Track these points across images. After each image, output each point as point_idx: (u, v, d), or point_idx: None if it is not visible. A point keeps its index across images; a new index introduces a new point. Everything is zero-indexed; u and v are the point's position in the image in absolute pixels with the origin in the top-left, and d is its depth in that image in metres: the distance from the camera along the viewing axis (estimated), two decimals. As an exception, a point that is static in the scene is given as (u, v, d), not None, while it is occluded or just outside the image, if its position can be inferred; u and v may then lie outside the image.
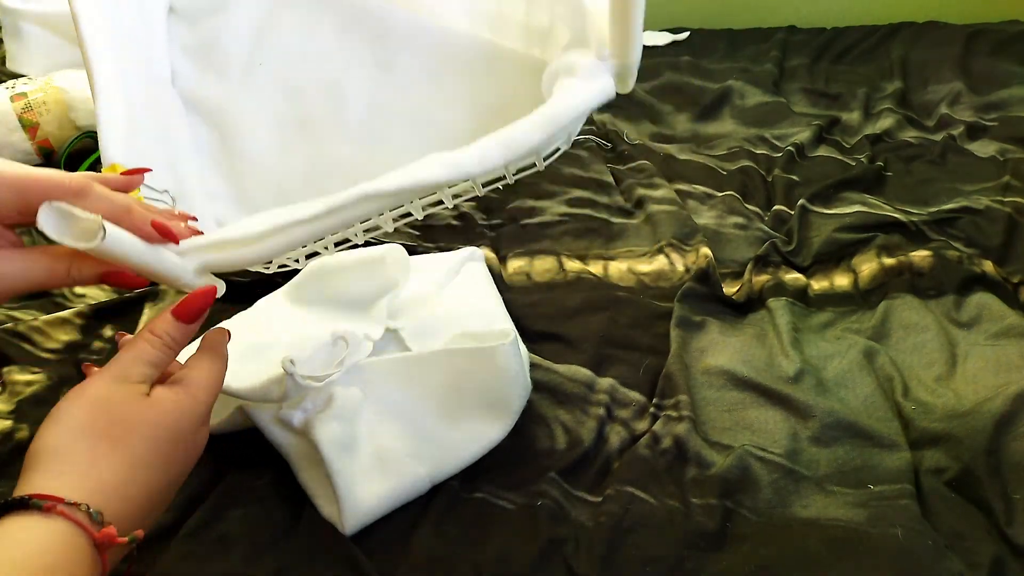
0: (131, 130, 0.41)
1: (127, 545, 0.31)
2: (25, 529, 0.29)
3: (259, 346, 0.49)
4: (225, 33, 0.52)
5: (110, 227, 0.31)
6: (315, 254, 0.42)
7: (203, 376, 0.36)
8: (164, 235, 0.35)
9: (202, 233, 0.38)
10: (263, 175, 0.50)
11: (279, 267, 0.43)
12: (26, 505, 0.29)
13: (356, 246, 0.43)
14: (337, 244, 0.42)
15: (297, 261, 0.43)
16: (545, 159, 0.41)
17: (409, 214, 0.41)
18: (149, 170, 0.39)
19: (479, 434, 0.47)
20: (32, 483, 0.31)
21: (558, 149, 0.41)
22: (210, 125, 0.50)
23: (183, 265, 0.36)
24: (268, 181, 0.50)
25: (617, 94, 0.39)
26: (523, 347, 0.53)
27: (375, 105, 0.51)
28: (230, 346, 0.40)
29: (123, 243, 0.32)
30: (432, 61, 0.51)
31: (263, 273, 0.43)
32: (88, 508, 0.30)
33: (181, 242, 0.37)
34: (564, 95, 0.36)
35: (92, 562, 0.30)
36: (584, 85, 0.37)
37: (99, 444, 0.32)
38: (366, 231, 0.42)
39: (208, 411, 0.37)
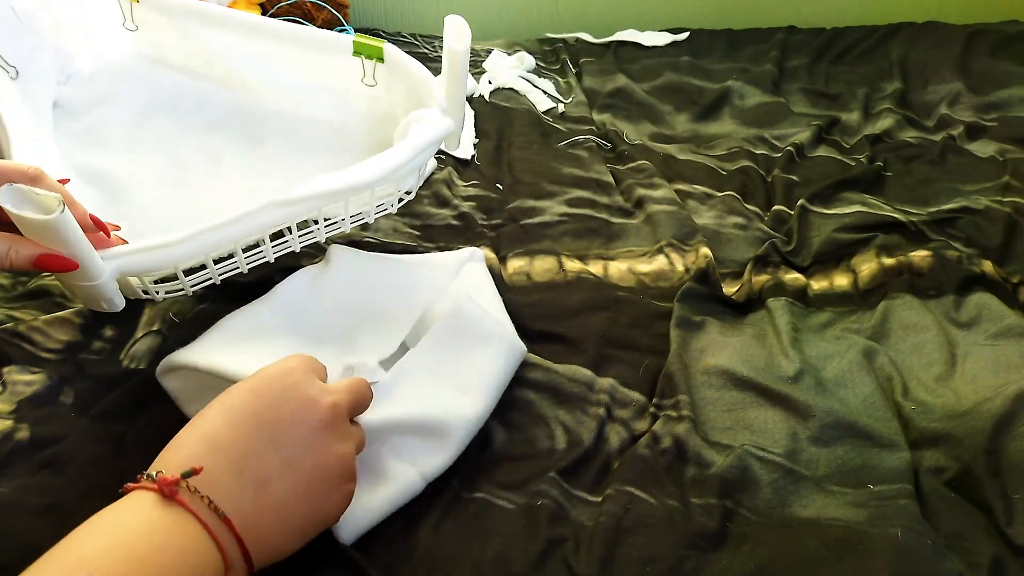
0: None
1: (189, 490, 0.30)
2: (137, 511, 0.30)
3: (273, 330, 0.50)
4: (107, 120, 0.61)
5: (65, 208, 0.35)
6: (232, 270, 0.49)
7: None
8: (98, 226, 0.41)
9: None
10: (149, 221, 0.55)
11: (167, 290, 0.49)
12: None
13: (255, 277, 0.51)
14: (245, 251, 0.48)
15: (212, 280, 0.49)
16: (400, 201, 0.54)
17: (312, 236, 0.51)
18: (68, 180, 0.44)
19: (459, 414, 0.46)
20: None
21: (409, 192, 0.54)
22: (97, 187, 0.56)
23: (103, 266, 0.40)
24: (155, 224, 0.55)
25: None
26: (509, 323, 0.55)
27: (248, 168, 0.60)
28: (242, 325, 0.45)
29: (71, 224, 0.36)
30: (295, 140, 0.62)
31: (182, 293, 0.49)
32: (150, 473, 0.31)
33: (106, 250, 0.41)
34: (413, 134, 0.49)
35: (171, 520, 0.30)
36: (427, 126, 0.49)
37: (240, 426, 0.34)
38: (275, 245, 0.49)
39: (351, 463, 0.37)
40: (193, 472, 0.30)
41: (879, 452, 0.47)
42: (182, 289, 0.48)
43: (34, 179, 0.37)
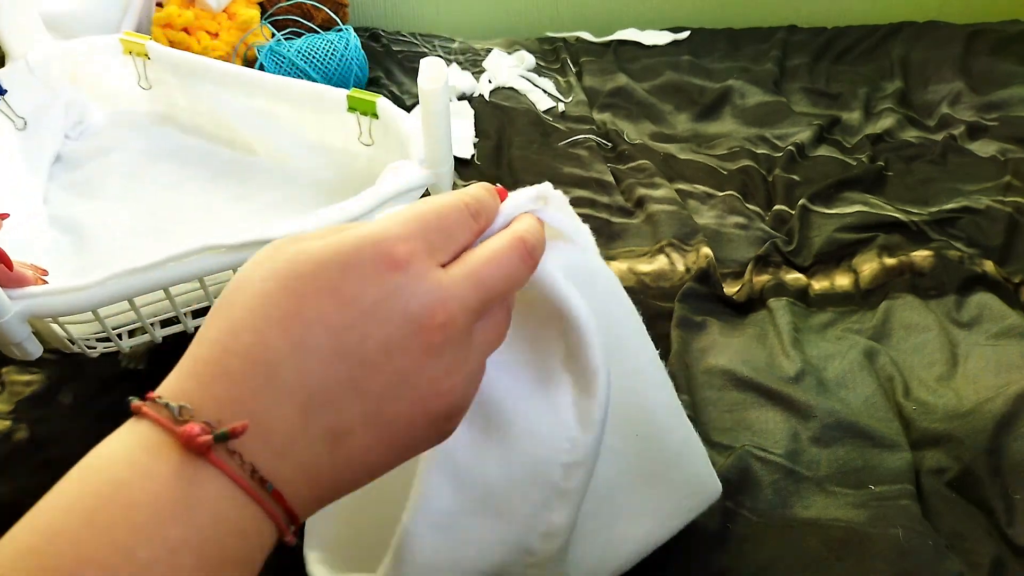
0: None
1: (224, 447, 0.20)
2: (118, 435, 0.22)
3: None
4: (108, 169, 0.61)
5: None
6: (139, 331, 0.46)
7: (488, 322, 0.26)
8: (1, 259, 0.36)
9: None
10: (108, 265, 0.53)
11: (104, 347, 0.46)
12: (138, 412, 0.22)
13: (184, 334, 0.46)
14: (163, 326, 0.46)
15: (120, 338, 0.46)
16: None
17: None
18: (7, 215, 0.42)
19: None
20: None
21: None
22: (69, 234, 0.56)
23: (7, 304, 0.38)
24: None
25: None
26: None
27: (237, 221, 0.59)
28: None
29: None
30: (289, 198, 0.61)
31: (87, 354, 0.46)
32: (169, 403, 0.21)
33: (15, 290, 0.39)
34: (387, 181, 0.47)
35: (200, 479, 0.20)
36: (397, 176, 0.47)
37: (214, 310, 0.23)
38: (195, 315, 0.47)
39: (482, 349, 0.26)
40: (232, 435, 0.20)
41: (880, 453, 0.47)
42: (116, 349, 0.46)
43: None
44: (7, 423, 0.50)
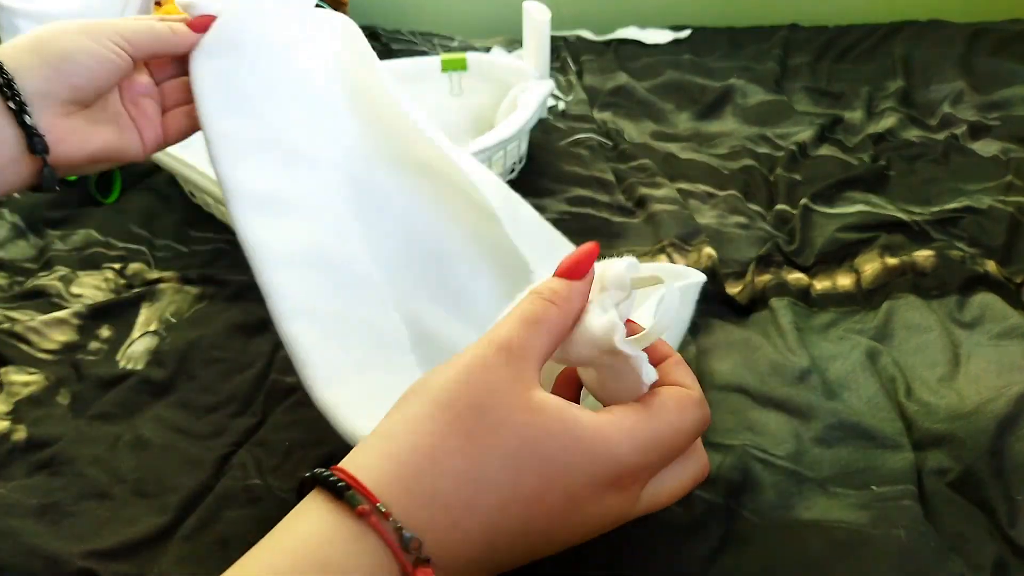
0: None
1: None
2: (337, 529, 0.22)
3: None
4: None
5: None
6: None
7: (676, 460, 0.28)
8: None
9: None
10: None
11: None
12: (333, 487, 0.23)
13: None
14: None
15: None
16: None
17: None
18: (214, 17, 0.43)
19: None
20: (363, 446, 0.24)
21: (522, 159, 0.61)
22: None
23: None
24: None
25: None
26: None
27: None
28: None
29: None
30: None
31: None
32: (399, 525, 0.22)
33: None
34: (525, 98, 0.61)
35: None
36: (534, 89, 0.62)
37: (452, 434, 0.24)
38: None
39: (648, 506, 0.28)
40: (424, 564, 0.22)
41: (883, 453, 0.47)
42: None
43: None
44: (6, 423, 0.50)
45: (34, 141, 0.37)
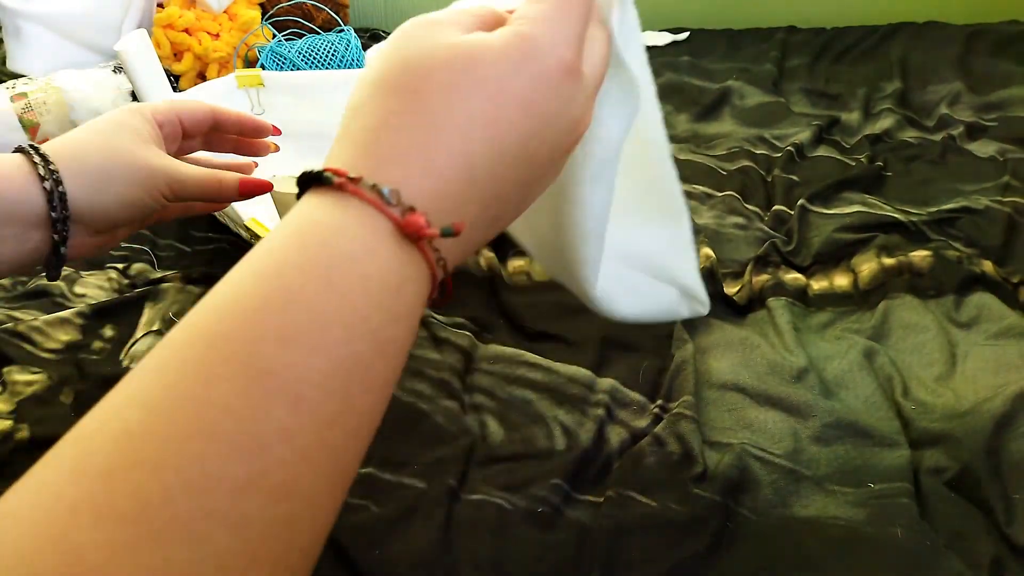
0: None
1: (440, 240, 0.23)
2: (323, 209, 0.23)
3: None
4: None
5: None
6: None
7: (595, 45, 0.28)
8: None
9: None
10: None
11: None
12: (320, 179, 0.23)
13: None
14: None
15: None
16: None
17: None
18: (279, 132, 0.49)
19: None
20: (330, 153, 0.25)
21: None
22: None
23: None
24: None
25: None
26: None
27: None
28: None
29: None
30: None
31: None
32: (373, 183, 0.22)
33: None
34: None
35: (406, 260, 0.23)
36: None
37: (393, 98, 0.24)
38: None
39: (594, 91, 0.28)
40: (455, 232, 0.23)
41: (880, 451, 0.47)
42: None
43: (213, 111, 0.44)
44: (8, 423, 0.50)
45: (56, 260, 0.38)
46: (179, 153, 0.45)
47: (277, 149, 0.51)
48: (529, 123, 0.25)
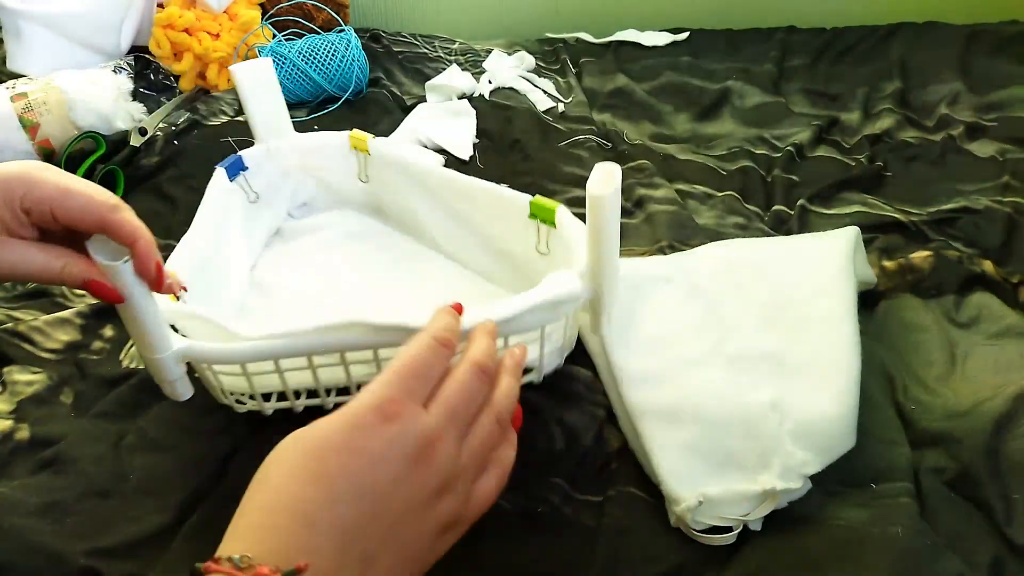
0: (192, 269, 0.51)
1: None
2: None
3: None
4: (309, 246, 0.68)
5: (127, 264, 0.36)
6: (314, 394, 0.47)
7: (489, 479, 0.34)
8: (158, 275, 0.37)
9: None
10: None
11: (251, 404, 0.48)
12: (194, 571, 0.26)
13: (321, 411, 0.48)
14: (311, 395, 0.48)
15: (267, 399, 0.48)
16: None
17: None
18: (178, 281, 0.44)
19: None
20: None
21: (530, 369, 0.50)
22: (263, 297, 0.62)
23: (167, 339, 0.40)
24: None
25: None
26: None
27: (401, 306, 0.57)
28: None
29: (130, 279, 0.37)
30: (453, 291, 0.62)
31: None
32: (232, 557, 0.26)
33: (171, 302, 0.43)
34: (540, 289, 0.43)
35: None
36: (552, 284, 0.44)
37: (254, 485, 0.29)
38: (338, 393, 0.48)
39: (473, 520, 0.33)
40: (298, 571, 0.26)
41: (881, 451, 0.47)
42: (260, 409, 0.48)
43: (113, 208, 0.37)
44: (9, 423, 0.50)
45: None
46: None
47: (176, 298, 0.45)
48: (356, 462, 0.28)
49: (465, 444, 0.32)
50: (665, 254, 0.66)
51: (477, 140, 0.87)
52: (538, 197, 0.54)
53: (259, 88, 0.62)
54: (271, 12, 1.03)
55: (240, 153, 0.64)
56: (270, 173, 0.66)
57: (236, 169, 0.63)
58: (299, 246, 0.68)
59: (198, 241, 0.54)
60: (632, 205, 0.74)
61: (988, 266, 0.63)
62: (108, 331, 0.58)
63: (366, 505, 0.28)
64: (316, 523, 0.27)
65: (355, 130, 0.67)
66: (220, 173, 0.62)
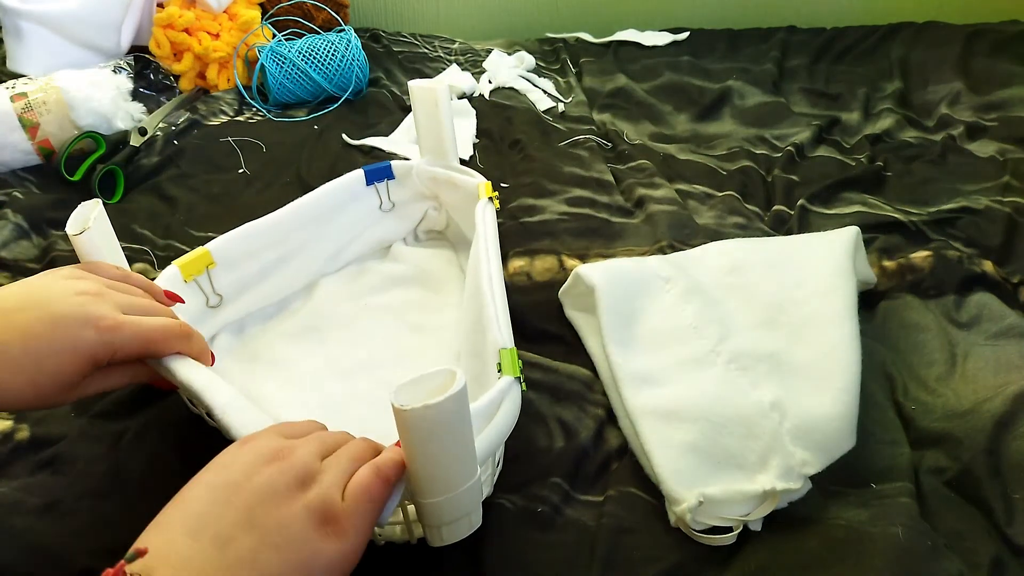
0: None
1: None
2: None
3: None
4: (377, 282, 0.64)
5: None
6: None
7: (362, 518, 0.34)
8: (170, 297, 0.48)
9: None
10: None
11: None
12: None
13: None
14: None
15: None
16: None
17: None
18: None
19: None
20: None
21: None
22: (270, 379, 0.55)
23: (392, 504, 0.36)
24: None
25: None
26: None
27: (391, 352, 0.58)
28: None
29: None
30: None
31: None
32: (128, 554, 0.29)
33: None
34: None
35: None
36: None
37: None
38: None
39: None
40: (137, 555, 0.30)
41: (881, 450, 0.47)
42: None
43: (186, 335, 0.43)
44: (8, 423, 0.50)
45: None
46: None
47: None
48: (213, 468, 0.33)
49: (330, 455, 0.35)
50: (665, 254, 0.66)
51: (477, 140, 0.87)
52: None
53: (431, 107, 0.62)
54: (271, 12, 1.03)
55: (391, 162, 0.65)
56: (409, 188, 0.66)
57: (381, 175, 0.64)
58: (260, 343, 0.59)
59: (290, 218, 0.57)
60: (632, 205, 0.74)
61: (988, 266, 0.63)
62: (108, 331, 0.58)
63: (219, 494, 0.32)
64: (166, 516, 0.31)
65: (487, 182, 0.62)
66: (359, 173, 0.63)
